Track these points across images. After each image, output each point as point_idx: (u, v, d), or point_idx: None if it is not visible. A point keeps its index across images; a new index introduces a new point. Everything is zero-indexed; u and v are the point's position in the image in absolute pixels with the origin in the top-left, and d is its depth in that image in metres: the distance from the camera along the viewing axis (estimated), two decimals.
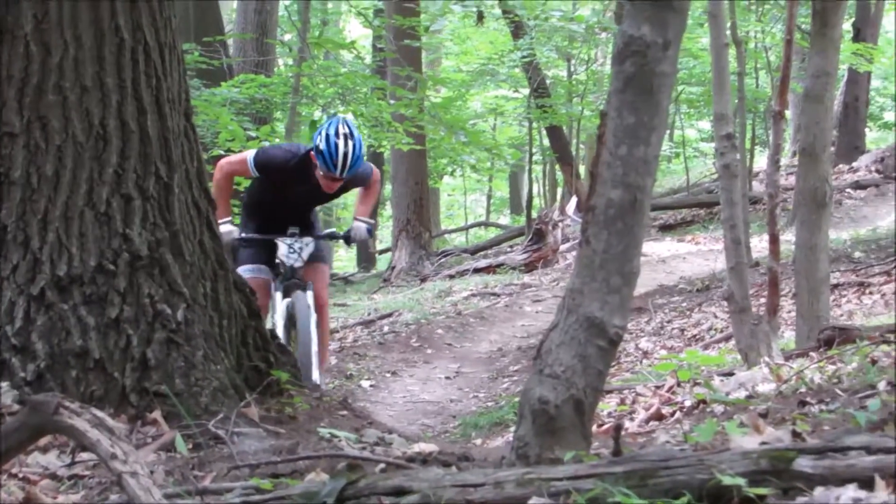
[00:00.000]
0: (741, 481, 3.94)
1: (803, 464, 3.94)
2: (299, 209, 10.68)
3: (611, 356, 5.22)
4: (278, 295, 10.46)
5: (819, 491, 3.09)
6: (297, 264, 10.14)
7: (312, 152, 10.05)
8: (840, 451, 4.04)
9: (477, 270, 26.32)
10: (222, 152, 19.86)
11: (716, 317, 15.37)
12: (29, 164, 6.53)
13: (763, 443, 4.58)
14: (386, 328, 18.63)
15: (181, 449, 5.97)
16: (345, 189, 10.83)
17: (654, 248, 23.52)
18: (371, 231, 10.60)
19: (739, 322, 10.79)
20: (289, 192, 10.47)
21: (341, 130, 9.78)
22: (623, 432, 5.71)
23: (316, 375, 10.18)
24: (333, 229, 12.56)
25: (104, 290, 6.50)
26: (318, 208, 12.19)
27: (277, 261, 10.45)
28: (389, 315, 20.70)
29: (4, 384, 6.01)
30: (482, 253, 30.65)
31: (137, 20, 6.71)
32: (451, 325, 19.18)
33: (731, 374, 9.67)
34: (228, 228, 10.04)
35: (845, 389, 7.38)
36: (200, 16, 27.90)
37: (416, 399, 13.94)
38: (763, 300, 11.12)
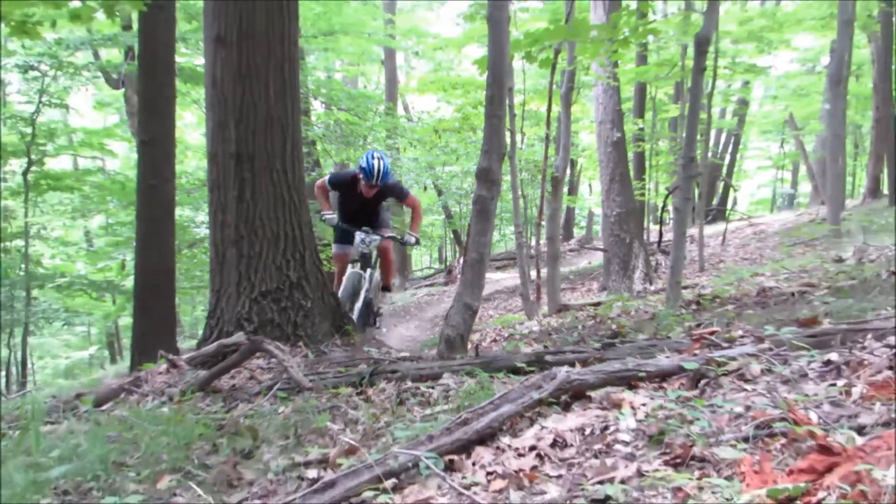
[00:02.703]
0: (524, 365, 3.91)
1: (548, 358, 3.90)
2: (361, 211, 8.63)
3: (474, 317, 5.19)
4: (356, 267, 8.65)
5: (555, 368, 3.05)
6: (366, 252, 8.42)
7: (358, 172, 8.24)
8: (562, 353, 4.01)
9: (427, 286, 26.22)
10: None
11: (518, 301, 15.33)
12: (249, 249, 6.48)
13: (534, 350, 4.53)
14: (390, 308, 18.24)
15: (310, 356, 5.93)
16: (384, 195, 8.70)
17: (494, 276, 23.32)
18: (417, 241, 8.94)
19: (527, 303, 10.72)
20: (350, 198, 8.52)
21: (376, 155, 8.13)
22: (480, 347, 5.71)
23: (373, 318, 8.61)
24: (394, 234, 9.14)
25: (279, 296, 6.44)
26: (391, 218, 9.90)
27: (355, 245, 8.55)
28: (393, 303, 19.28)
29: (240, 333, 5.95)
30: (428, 279, 30.38)
31: (289, 187, 6.66)
32: (415, 306, 18.96)
33: (522, 323, 9.65)
34: (333, 216, 8.47)
35: (566, 329, 7.34)
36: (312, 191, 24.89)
37: (403, 336, 13.68)
38: (535, 295, 11.07)
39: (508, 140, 9.89)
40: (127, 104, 18.44)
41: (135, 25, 11.64)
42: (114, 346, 25.17)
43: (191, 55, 17.09)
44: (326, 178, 8.77)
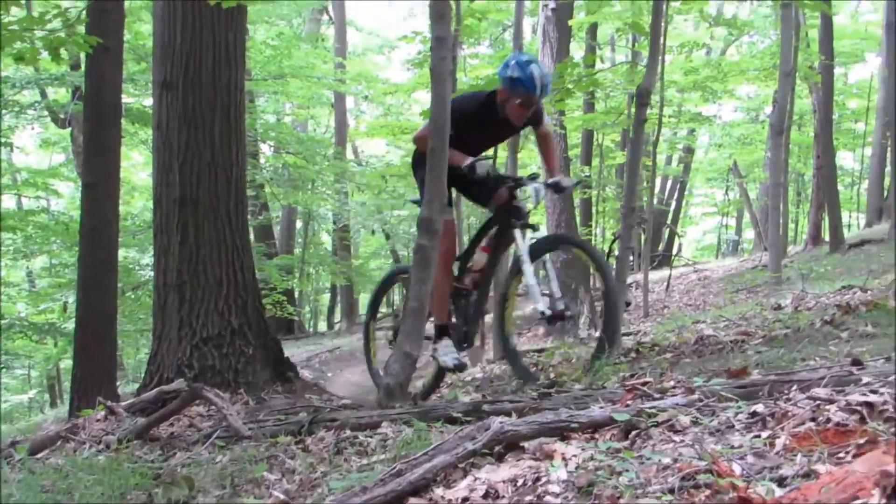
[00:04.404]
0: (461, 415, 3.93)
1: (486, 408, 3.93)
2: (484, 148, 6.18)
3: (414, 366, 5.17)
4: (518, 233, 5.77)
5: (490, 419, 3.10)
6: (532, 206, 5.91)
7: (502, 87, 5.66)
8: (500, 402, 4.04)
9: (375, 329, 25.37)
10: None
11: None
12: (191, 294, 6.48)
13: (472, 399, 4.56)
14: (333, 352, 18.06)
15: (251, 404, 5.91)
16: (525, 125, 6.07)
17: None
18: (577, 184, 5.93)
19: (471, 349, 10.66)
20: (471, 138, 5.82)
21: (525, 58, 5.69)
22: (417, 398, 5.72)
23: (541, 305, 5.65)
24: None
25: (220, 343, 6.43)
26: None
27: (516, 203, 5.86)
28: (338, 348, 19.08)
29: (181, 380, 5.94)
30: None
31: (232, 238, 6.66)
32: (361, 351, 18.70)
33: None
34: (482, 163, 5.68)
35: (508, 376, 7.24)
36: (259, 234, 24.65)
37: (348, 381, 13.47)
38: (480, 340, 11.01)
39: None
40: (73, 143, 18.33)
41: (83, 65, 11.57)
42: (55, 390, 24.85)
43: (139, 95, 17.07)
44: None
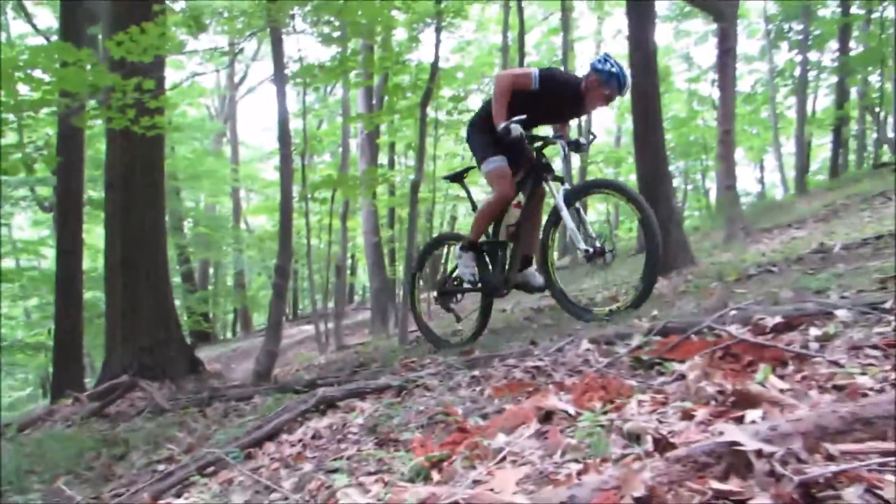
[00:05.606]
0: (302, 388, 3.84)
1: (318, 382, 3.84)
2: (540, 123, 4.49)
3: (275, 359, 5.06)
4: (552, 184, 4.14)
5: (319, 388, 3.09)
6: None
7: (597, 77, 4.10)
8: (327, 378, 4.00)
9: (263, 337, 24.41)
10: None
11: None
12: (132, 321, 6.16)
13: (311, 378, 4.50)
14: (235, 351, 17.28)
15: (173, 389, 5.65)
16: (584, 114, 4.74)
17: (305, 328, 22.39)
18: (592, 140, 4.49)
19: (320, 345, 10.47)
20: (545, 107, 4.22)
21: (620, 62, 4.25)
22: (278, 377, 5.60)
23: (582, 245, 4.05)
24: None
25: (152, 350, 6.12)
26: None
27: (545, 160, 4.25)
28: (238, 347, 18.30)
29: (125, 376, 5.61)
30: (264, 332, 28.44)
31: (157, 283, 6.38)
32: (254, 349, 17.96)
33: (315, 359, 9.34)
34: (515, 125, 4.01)
35: (339, 361, 7.18)
36: (184, 277, 24.11)
37: (246, 370, 12.73)
38: (325, 340, 10.79)
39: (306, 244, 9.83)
40: (54, 223, 17.22)
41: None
42: (44, 387, 23.13)
43: (99, 190, 16.34)
44: (534, 71, 4.20)
